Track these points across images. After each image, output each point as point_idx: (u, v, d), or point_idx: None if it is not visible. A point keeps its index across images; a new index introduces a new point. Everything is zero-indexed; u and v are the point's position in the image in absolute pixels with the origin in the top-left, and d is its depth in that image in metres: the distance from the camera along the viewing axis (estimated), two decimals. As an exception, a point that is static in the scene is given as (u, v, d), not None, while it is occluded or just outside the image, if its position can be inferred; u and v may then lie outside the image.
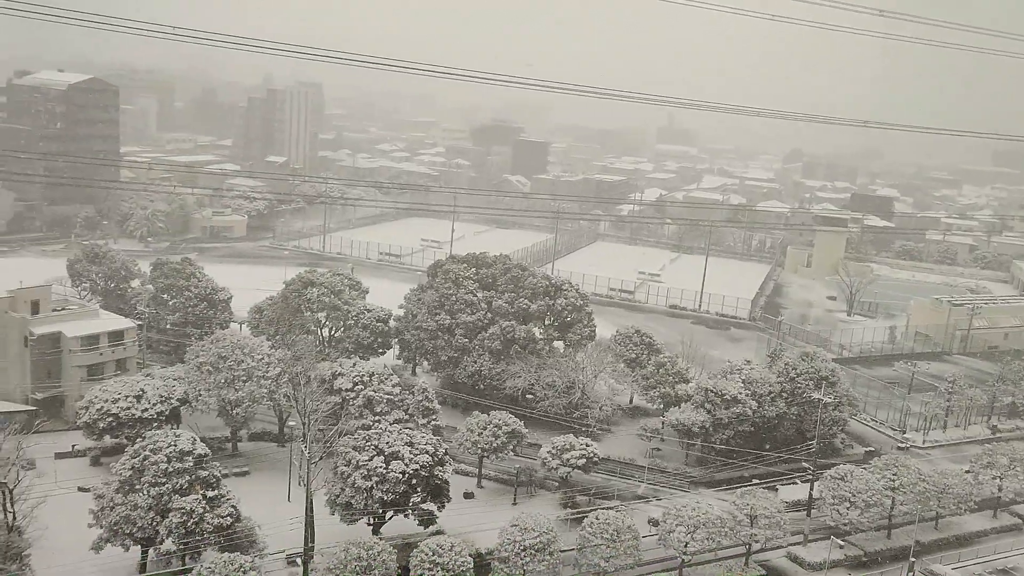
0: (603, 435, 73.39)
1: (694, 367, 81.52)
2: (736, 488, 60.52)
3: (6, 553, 41.89)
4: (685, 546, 51.53)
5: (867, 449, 76.75)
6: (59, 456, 60.69)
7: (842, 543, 58.61)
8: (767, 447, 70.90)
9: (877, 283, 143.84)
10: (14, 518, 43.73)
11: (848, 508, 58.19)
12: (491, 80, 50.84)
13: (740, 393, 69.51)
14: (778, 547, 57.22)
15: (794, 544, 58.30)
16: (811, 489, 61.33)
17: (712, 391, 69.64)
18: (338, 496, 50.75)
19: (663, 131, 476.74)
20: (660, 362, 78.07)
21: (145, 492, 44.93)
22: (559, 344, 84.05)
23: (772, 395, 72.00)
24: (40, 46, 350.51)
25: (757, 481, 65.01)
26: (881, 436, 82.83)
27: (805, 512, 61.09)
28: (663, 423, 72.59)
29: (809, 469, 61.73)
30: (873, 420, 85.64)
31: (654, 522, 57.13)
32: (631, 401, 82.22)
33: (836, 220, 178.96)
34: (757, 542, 54.85)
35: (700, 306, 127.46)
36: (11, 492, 44.10)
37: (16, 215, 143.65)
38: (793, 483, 66.75)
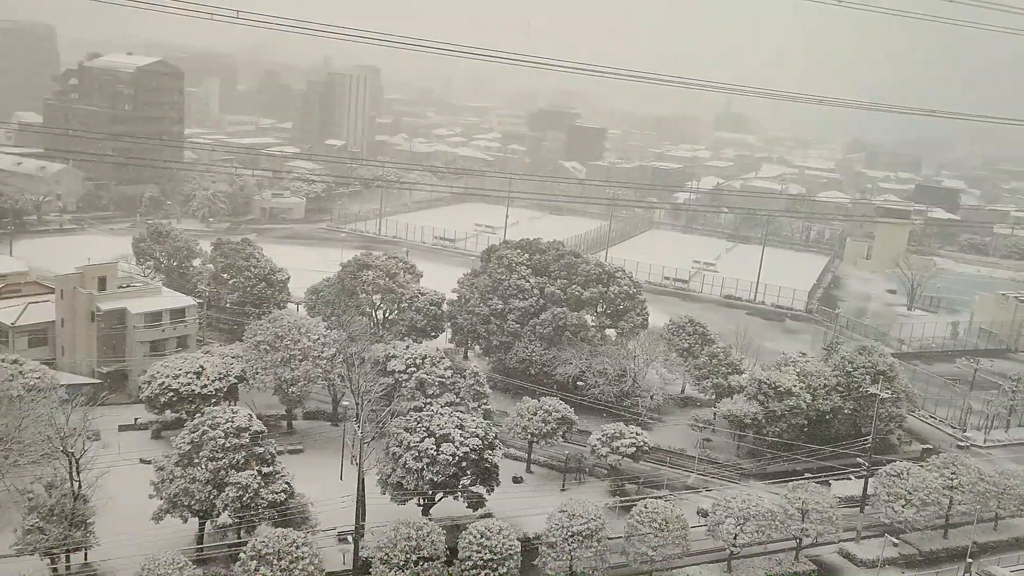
0: (653, 424, 73.10)
1: (747, 358, 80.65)
2: (788, 482, 59.82)
3: (72, 520, 43.44)
4: (734, 538, 51.19)
5: (925, 447, 75.12)
6: (122, 428, 62.55)
7: (896, 541, 57.60)
8: (820, 441, 69.86)
9: (940, 277, 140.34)
10: (80, 486, 45.25)
11: (903, 506, 57.10)
12: (547, 65, 50.71)
13: (794, 386, 68.58)
14: (830, 543, 56.48)
15: (846, 540, 57.43)
16: (865, 485, 60.34)
17: (765, 383, 68.84)
18: (389, 476, 51.50)
19: (720, 119, 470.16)
20: (713, 352, 77.39)
21: (203, 466, 46.10)
22: (611, 332, 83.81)
23: (827, 389, 70.88)
24: (111, 30, 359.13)
25: (809, 475, 64.15)
26: (940, 434, 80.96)
27: (859, 508, 60.16)
28: (715, 414, 72.00)
29: (863, 465, 60.71)
30: (932, 417, 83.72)
31: (703, 513, 56.83)
32: (683, 391, 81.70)
33: (898, 212, 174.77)
34: (808, 537, 54.20)
35: (755, 297, 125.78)
36: (77, 462, 45.61)
37: (86, 194, 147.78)
38: (847, 478, 65.75)
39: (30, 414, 47.44)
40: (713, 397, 75.75)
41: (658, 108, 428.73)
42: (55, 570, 43.73)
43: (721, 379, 75.19)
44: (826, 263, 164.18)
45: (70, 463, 45.43)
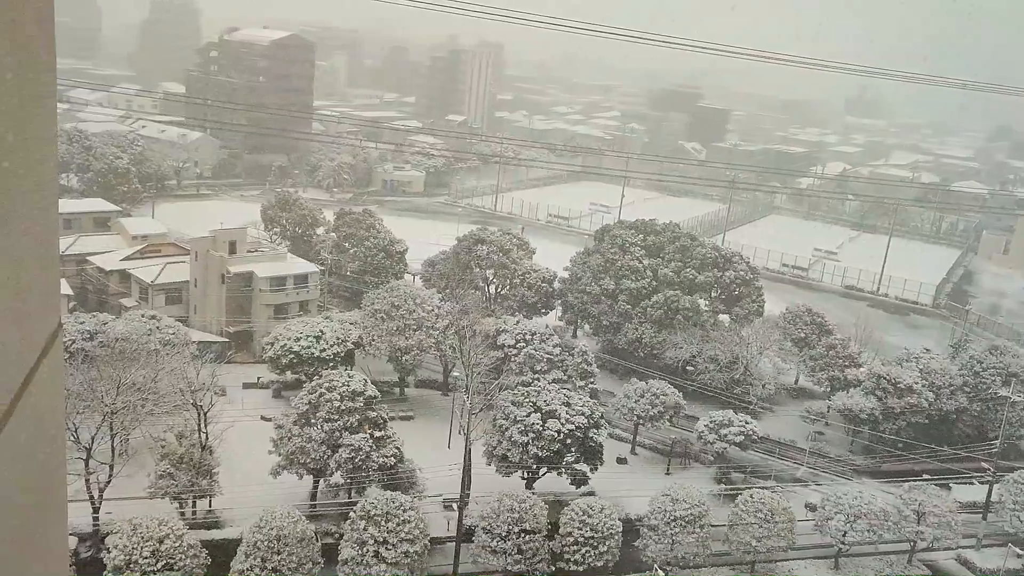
0: (763, 413, 71.63)
1: (867, 352, 77.80)
2: (904, 481, 57.67)
3: (199, 469, 46.30)
4: (843, 535, 49.88)
5: (1057, 455, 70.90)
6: (246, 386, 65.82)
7: (1021, 552, 54.74)
8: (942, 442, 66.90)
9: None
10: (207, 438, 48.11)
11: (1030, 516, 54.26)
12: (672, 44, 50.04)
13: (916, 383, 65.84)
14: (947, 548, 54.24)
15: (965, 547, 55.05)
16: (989, 491, 57.57)
17: (885, 378, 66.32)
18: (495, 448, 52.50)
19: (852, 102, 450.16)
20: (831, 344, 75.03)
21: (319, 427, 48.17)
22: (724, 317, 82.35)
23: (952, 388, 67.74)
24: (249, 4, 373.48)
25: (928, 477, 61.60)
26: (1075, 443, 76.13)
27: (981, 515, 57.47)
28: (829, 407, 69.93)
29: (989, 470, 57.88)
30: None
31: (811, 507, 55.54)
32: (796, 382, 79.63)
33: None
34: (923, 540, 52.25)
35: (879, 288, 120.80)
36: (205, 415, 48.48)
37: (221, 162, 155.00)
38: (969, 483, 62.78)
39: (165, 367, 50.53)
40: (828, 390, 73.54)
41: (786, 90, 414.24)
42: (182, 514, 46.75)
43: (837, 372, 72.88)
44: (958, 256, 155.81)
45: (199, 415, 48.34)
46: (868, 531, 50.01)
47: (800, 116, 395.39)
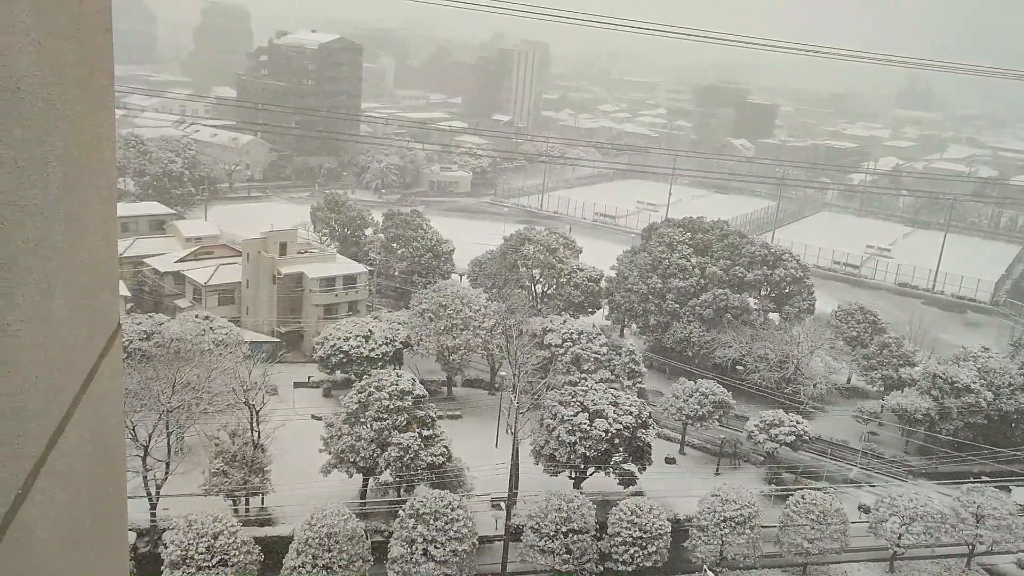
0: (815, 413, 70.48)
1: (922, 350, 76.13)
2: (961, 483, 56.29)
3: (251, 466, 47.09)
4: (899, 538, 48.87)
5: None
6: (297, 385, 66.69)
7: (1083, 556, 53.17)
8: (1001, 443, 65.15)
9: None
10: (259, 436, 48.91)
11: (1094, 519, 52.54)
12: (719, 39, 49.53)
13: (974, 382, 64.19)
14: (1007, 552, 52.82)
15: (1025, 551, 53.59)
16: (1051, 494, 55.90)
17: (941, 377, 64.79)
18: (542, 447, 52.49)
19: (904, 95, 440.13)
20: (884, 342, 73.56)
21: (368, 425, 48.64)
22: (774, 316, 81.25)
23: (1012, 388, 65.90)
24: (299, 8, 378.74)
25: (987, 478, 60.04)
26: None
27: (1041, 518, 55.83)
28: (882, 407, 68.55)
29: (1050, 472, 56.24)
30: None
31: (865, 509, 54.53)
32: (848, 381, 78.22)
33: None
34: (982, 544, 50.92)
35: (934, 286, 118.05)
36: (257, 413, 49.28)
37: (271, 164, 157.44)
38: (1029, 485, 61.06)
39: (218, 367, 51.48)
40: (881, 389, 72.10)
41: (835, 84, 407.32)
42: (236, 511, 47.58)
43: (891, 371, 71.43)
44: (1018, 252, 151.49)
45: (251, 414, 49.16)
46: (924, 534, 48.93)
47: (849, 110, 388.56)
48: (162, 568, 39.45)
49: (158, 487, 45.82)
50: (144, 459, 44.48)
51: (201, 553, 39.25)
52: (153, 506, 45.83)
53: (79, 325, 2.89)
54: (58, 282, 2.62)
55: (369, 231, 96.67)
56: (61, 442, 2.64)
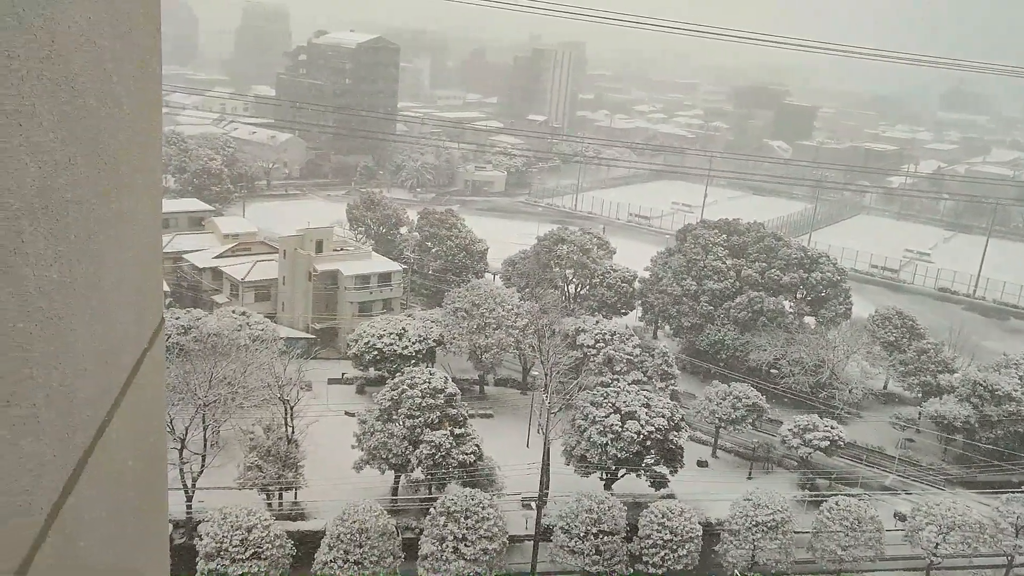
0: (850, 419, 69.56)
1: (962, 357, 74.79)
2: (1001, 493, 55.22)
3: (285, 461, 47.59)
4: (935, 547, 48.08)
5: None
6: (331, 382, 67.26)
7: None
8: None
9: None
10: (293, 432, 49.43)
11: None
12: (756, 40, 49.09)
13: (1016, 390, 62.96)
14: (1046, 564, 51.78)
15: (1066, 563, 52.42)
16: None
17: (981, 384, 63.63)
18: (574, 448, 52.42)
19: (948, 97, 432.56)
20: (922, 348, 72.42)
21: (401, 423, 48.92)
22: (810, 320, 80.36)
23: (1055, 397, 64.53)
24: (336, 8, 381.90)
25: (1027, 489, 58.87)
26: None
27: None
28: (920, 413, 67.46)
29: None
30: None
31: (900, 516, 53.72)
32: (885, 387, 77.10)
33: None
34: (1022, 555, 49.97)
35: (975, 291, 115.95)
36: (292, 409, 49.81)
37: (308, 162, 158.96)
38: (1072, 497, 59.71)
39: (254, 362, 52.10)
40: (919, 396, 70.97)
41: (877, 86, 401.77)
42: (269, 505, 48.11)
43: (930, 377, 70.30)
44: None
45: (285, 410, 49.70)
46: (962, 543, 48.06)
47: (890, 112, 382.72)
48: (197, 559, 40.01)
49: (194, 480, 46.48)
50: (181, 452, 45.16)
51: (235, 546, 39.75)
52: (189, 498, 46.50)
53: (126, 319, 2.95)
54: (107, 276, 2.69)
55: (404, 230, 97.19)
56: (108, 433, 2.71)
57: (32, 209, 2.14)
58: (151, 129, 3.17)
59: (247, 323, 62.75)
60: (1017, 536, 49.42)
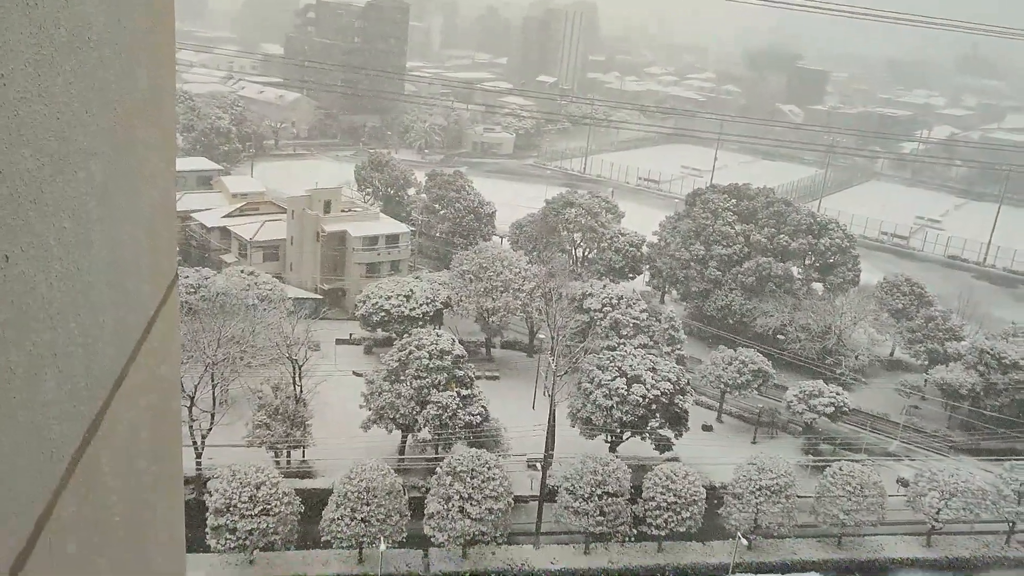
0: (856, 385, 69.69)
1: (969, 324, 74.70)
2: (1005, 460, 55.48)
3: (293, 420, 48.04)
4: (937, 513, 48.45)
5: None
6: (339, 342, 67.57)
7: None
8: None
9: None
10: (301, 391, 49.83)
11: None
12: (773, 3, 48.35)
13: (1023, 359, 62.92)
14: (1047, 531, 52.18)
15: (1067, 530, 52.81)
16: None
17: (989, 352, 63.59)
18: (579, 411, 52.76)
19: (964, 62, 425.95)
20: (930, 315, 72.32)
21: (408, 383, 49.24)
22: (818, 286, 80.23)
23: (1062, 366, 64.49)
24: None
25: (1031, 457, 59.11)
26: None
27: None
28: (926, 381, 67.59)
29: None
30: None
31: (903, 482, 54.09)
32: (892, 353, 77.14)
33: None
34: (1023, 521, 50.34)
35: (985, 259, 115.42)
36: (300, 368, 50.16)
37: (316, 122, 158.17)
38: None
39: (262, 321, 52.39)
40: (926, 363, 71.04)
41: (892, 50, 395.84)
42: (277, 463, 48.68)
43: (937, 344, 70.29)
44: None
45: (294, 369, 50.06)
46: (964, 509, 48.43)
47: (906, 77, 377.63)
48: (207, 514, 40.59)
49: (203, 437, 46.99)
50: (190, 409, 45.60)
51: (244, 502, 40.29)
52: (198, 455, 47.04)
53: (141, 273, 2.98)
54: (123, 231, 2.71)
55: (412, 191, 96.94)
56: (125, 384, 2.74)
57: (51, 161, 2.15)
58: (164, 84, 3.16)
59: (255, 283, 62.94)
60: (1019, 503, 49.74)
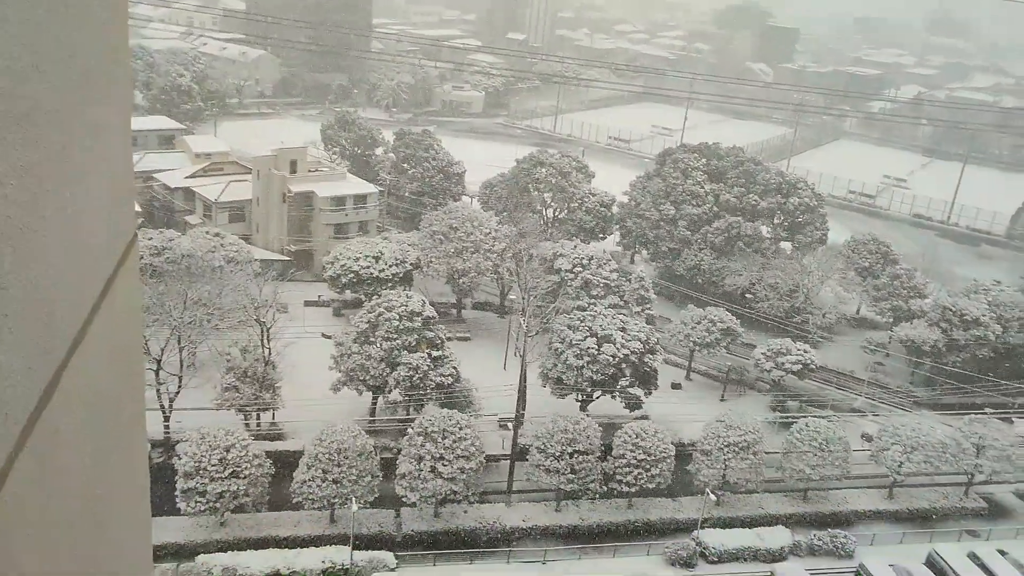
0: (823, 343, 70.81)
1: (933, 282, 75.99)
2: (964, 414, 56.87)
3: (262, 383, 47.86)
4: (899, 466, 49.65)
5: None
6: (307, 304, 67.24)
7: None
8: (1008, 377, 65.52)
9: None
10: (269, 353, 49.57)
11: (1094, 453, 53.17)
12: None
13: (983, 315, 64.25)
14: (1004, 482, 53.69)
15: (1024, 482, 54.45)
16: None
17: (951, 309, 64.84)
18: (550, 370, 53.10)
19: (934, 21, 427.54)
20: (895, 273, 73.42)
21: (378, 345, 49.18)
22: (786, 245, 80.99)
23: (1022, 322, 65.94)
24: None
25: (991, 410, 60.61)
26: None
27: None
28: (890, 338, 68.83)
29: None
30: None
31: (867, 437, 55.31)
32: (858, 311, 78.35)
33: None
34: (981, 473, 51.73)
35: (949, 217, 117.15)
36: (268, 331, 49.84)
37: (281, 80, 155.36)
38: (1032, 418, 61.68)
39: (229, 283, 51.86)
40: (891, 320, 72.28)
41: (862, 7, 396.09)
42: (247, 425, 48.57)
43: (901, 302, 71.48)
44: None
45: (262, 331, 49.72)
46: (925, 463, 49.69)
47: (876, 36, 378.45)
48: (176, 478, 40.49)
49: (171, 400, 46.70)
50: (157, 373, 45.24)
51: (213, 465, 40.22)
52: (167, 419, 46.79)
53: (99, 231, 2.89)
54: (79, 188, 2.62)
55: (380, 151, 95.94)
56: (84, 345, 2.68)
57: (2, 115, 2.06)
58: (118, 39, 3.05)
59: (221, 244, 62.22)
60: (978, 456, 51.09)
